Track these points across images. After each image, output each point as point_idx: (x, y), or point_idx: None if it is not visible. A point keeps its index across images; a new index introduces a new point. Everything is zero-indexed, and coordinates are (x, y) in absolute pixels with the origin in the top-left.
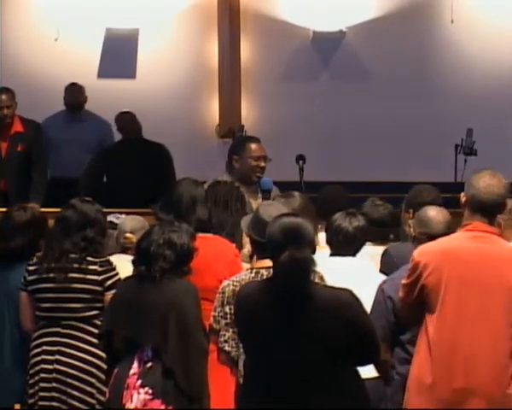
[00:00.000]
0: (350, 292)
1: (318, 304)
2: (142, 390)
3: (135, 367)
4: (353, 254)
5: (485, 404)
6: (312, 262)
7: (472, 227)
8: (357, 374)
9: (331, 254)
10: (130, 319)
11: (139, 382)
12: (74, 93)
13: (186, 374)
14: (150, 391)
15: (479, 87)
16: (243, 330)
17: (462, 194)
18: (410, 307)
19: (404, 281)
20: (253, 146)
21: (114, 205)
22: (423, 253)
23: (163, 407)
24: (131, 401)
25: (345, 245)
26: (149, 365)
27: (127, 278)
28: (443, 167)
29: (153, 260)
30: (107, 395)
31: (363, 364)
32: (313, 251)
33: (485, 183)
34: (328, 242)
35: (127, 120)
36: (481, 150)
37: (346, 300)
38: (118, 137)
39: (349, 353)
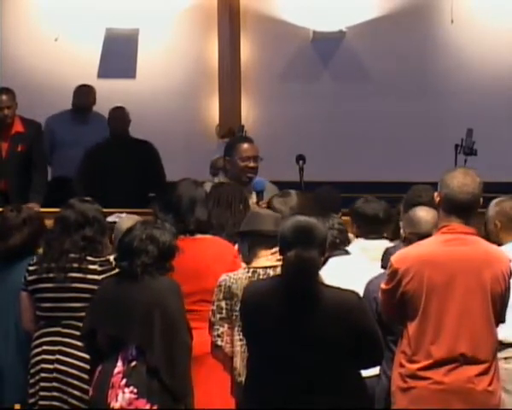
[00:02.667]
0: (356, 294)
1: (324, 305)
2: (127, 389)
3: (119, 366)
4: (346, 252)
5: (467, 403)
6: (319, 263)
7: (448, 230)
8: (359, 375)
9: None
10: (114, 317)
11: (124, 381)
12: (84, 95)
13: (171, 372)
14: (135, 390)
15: (479, 87)
16: (248, 328)
17: (436, 193)
18: (391, 310)
19: (383, 286)
20: (242, 146)
21: (104, 204)
22: (402, 259)
23: (148, 406)
24: (116, 400)
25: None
26: (133, 364)
27: (109, 277)
28: (443, 167)
29: (135, 254)
30: (91, 393)
31: (367, 366)
32: (323, 253)
33: (459, 182)
34: None
35: (118, 116)
36: (481, 150)
37: (352, 302)
38: None
39: (353, 354)
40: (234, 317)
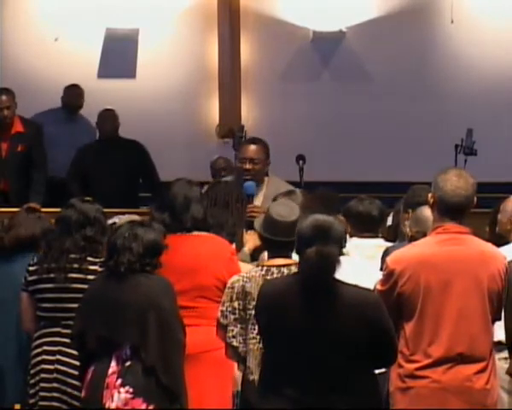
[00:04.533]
0: (373, 293)
1: (342, 302)
2: (122, 390)
3: (113, 366)
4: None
5: (465, 401)
6: (338, 259)
7: (443, 230)
8: (374, 375)
9: None
10: (105, 318)
11: (119, 381)
12: (75, 96)
13: (167, 370)
14: (131, 390)
15: (479, 87)
16: (266, 325)
17: (430, 195)
18: (387, 311)
19: (378, 287)
20: (242, 147)
21: None
22: (398, 260)
23: (144, 405)
24: (112, 400)
25: None
26: (128, 364)
27: (98, 277)
28: (443, 167)
29: (120, 252)
30: (84, 394)
31: (381, 366)
32: (340, 252)
33: (453, 185)
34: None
35: (106, 118)
36: (481, 150)
37: (371, 300)
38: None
39: (370, 354)
40: (247, 316)
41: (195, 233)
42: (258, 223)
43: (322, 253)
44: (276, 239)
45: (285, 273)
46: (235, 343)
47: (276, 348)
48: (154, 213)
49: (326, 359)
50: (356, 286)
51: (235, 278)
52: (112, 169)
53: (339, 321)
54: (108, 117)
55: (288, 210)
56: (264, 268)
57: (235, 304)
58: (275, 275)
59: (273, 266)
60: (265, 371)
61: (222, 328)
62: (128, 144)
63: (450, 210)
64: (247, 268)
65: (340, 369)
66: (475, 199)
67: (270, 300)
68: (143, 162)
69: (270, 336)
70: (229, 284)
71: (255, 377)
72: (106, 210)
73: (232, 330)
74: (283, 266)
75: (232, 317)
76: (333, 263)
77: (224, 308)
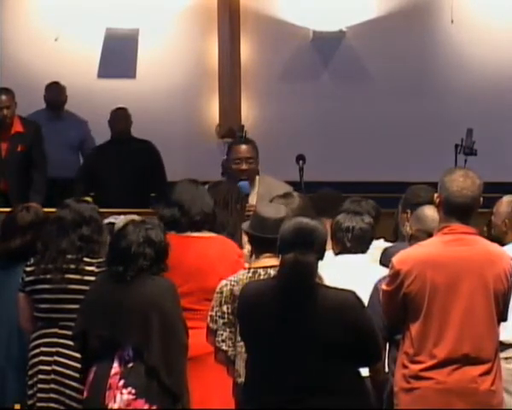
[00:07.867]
0: (353, 293)
1: (321, 305)
2: (125, 390)
3: (116, 367)
4: (364, 252)
5: (470, 403)
6: (316, 267)
7: (449, 230)
8: (358, 374)
9: (339, 253)
10: (108, 318)
11: (122, 382)
12: (56, 91)
13: (169, 372)
14: (133, 391)
15: (479, 87)
16: (245, 329)
17: (436, 194)
18: (392, 313)
19: (384, 287)
20: (235, 148)
21: (105, 204)
22: (403, 261)
23: (147, 406)
24: (115, 401)
25: (356, 243)
26: (131, 365)
27: (101, 277)
28: (443, 167)
29: (132, 260)
30: (86, 394)
31: (365, 365)
32: (321, 257)
33: (459, 186)
34: (336, 241)
35: (119, 117)
36: (481, 150)
37: (349, 301)
38: (98, 134)
39: (351, 354)
40: (236, 319)
41: (205, 235)
42: (245, 224)
43: (298, 262)
44: (265, 236)
45: (271, 275)
46: (224, 347)
47: (256, 350)
48: (163, 212)
49: (306, 361)
50: (334, 288)
51: (223, 282)
52: (122, 169)
53: (316, 323)
54: (121, 116)
55: (275, 209)
56: (251, 270)
57: (224, 308)
58: (261, 277)
59: (260, 267)
60: (248, 374)
61: (211, 333)
62: (140, 145)
63: (457, 211)
64: None
65: (321, 370)
66: (481, 199)
67: (249, 303)
68: (154, 163)
69: (248, 338)
70: (217, 289)
71: (243, 379)
72: (116, 210)
73: (221, 335)
74: (270, 267)
75: (221, 321)
76: (308, 273)
77: (214, 313)
